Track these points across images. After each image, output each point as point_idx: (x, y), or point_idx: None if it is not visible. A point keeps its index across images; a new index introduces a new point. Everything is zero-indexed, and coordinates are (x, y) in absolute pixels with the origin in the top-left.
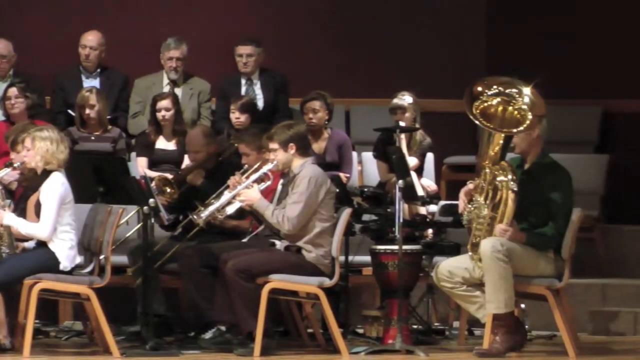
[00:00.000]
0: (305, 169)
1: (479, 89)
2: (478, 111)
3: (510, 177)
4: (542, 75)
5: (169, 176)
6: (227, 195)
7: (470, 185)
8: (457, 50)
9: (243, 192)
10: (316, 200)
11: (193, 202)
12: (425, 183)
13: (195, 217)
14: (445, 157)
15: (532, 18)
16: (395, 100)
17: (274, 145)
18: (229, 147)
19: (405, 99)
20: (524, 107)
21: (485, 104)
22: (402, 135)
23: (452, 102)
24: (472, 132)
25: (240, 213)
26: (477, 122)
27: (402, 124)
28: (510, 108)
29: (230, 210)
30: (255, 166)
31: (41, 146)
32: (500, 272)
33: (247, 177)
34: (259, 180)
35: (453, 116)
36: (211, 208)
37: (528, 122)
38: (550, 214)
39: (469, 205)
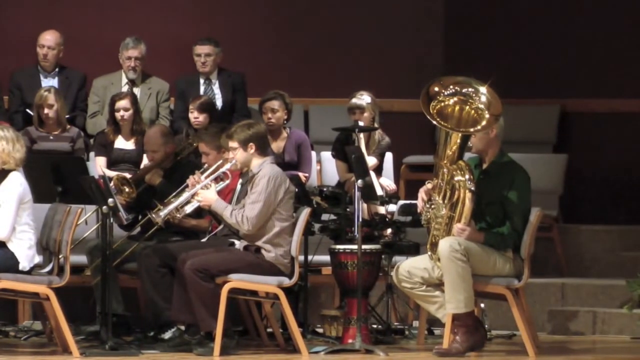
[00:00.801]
0: (264, 169)
1: (436, 89)
2: (435, 111)
3: (467, 176)
4: (495, 75)
5: (128, 175)
6: (185, 195)
7: (428, 185)
8: (415, 50)
9: (200, 193)
10: (275, 199)
11: (151, 202)
12: (384, 183)
13: (153, 216)
14: (404, 156)
15: (489, 18)
16: (353, 100)
17: (233, 144)
18: (187, 147)
19: (364, 98)
20: (481, 106)
21: (442, 104)
22: (361, 135)
23: (411, 102)
24: (431, 131)
25: (199, 212)
26: (434, 122)
27: (361, 123)
28: (467, 107)
29: (189, 209)
30: (215, 166)
31: None
32: (459, 271)
33: (207, 177)
34: (217, 180)
35: (412, 116)
36: (169, 207)
37: (485, 121)
38: (507, 213)
39: (427, 205)
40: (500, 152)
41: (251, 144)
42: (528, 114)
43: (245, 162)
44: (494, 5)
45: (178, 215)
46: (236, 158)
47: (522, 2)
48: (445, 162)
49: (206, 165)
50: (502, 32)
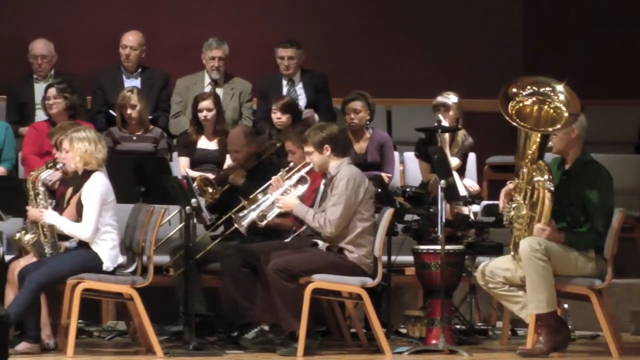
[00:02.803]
0: (343, 170)
1: (514, 90)
2: (514, 112)
3: (546, 177)
4: (573, 75)
5: (211, 176)
6: (266, 202)
7: (510, 185)
8: (497, 50)
9: (281, 199)
10: (355, 200)
11: (234, 202)
12: (467, 183)
13: (237, 225)
14: (487, 157)
15: (570, 18)
16: (439, 99)
17: (308, 148)
18: (270, 147)
19: (450, 97)
20: (559, 105)
21: (521, 104)
22: (446, 135)
23: (493, 102)
24: (513, 132)
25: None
26: (513, 122)
27: (444, 122)
28: (546, 107)
29: (271, 217)
30: (296, 168)
31: (79, 147)
32: (539, 271)
33: (290, 178)
34: (297, 184)
35: (494, 116)
36: (251, 216)
37: (564, 120)
38: (588, 213)
39: (509, 205)
40: (582, 153)
41: (326, 145)
42: (610, 114)
43: (322, 164)
44: (575, 6)
45: (260, 223)
46: (313, 161)
47: (602, 2)
48: (525, 162)
49: (292, 164)
50: (583, 32)
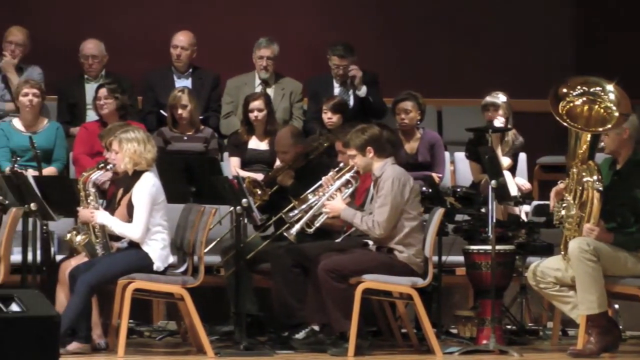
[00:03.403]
0: (387, 171)
1: (564, 90)
2: (564, 112)
3: (595, 177)
4: (624, 75)
5: (259, 177)
6: (313, 208)
7: (560, 185)
8: (548, 50)
9: (327, 204)
10: (402, 200)
11: (283, 203)
12: (519, 182)
13: (286, 233)
14: (537, 157)
15: (620, 18)
16: (488, 98)
17: (351, 152)
18: (317, 147)
19: (499, 97)
20: (610, 104)
21: (571, 104)
22: (495, 135)
23: (544, 102)
24: (565, 132)
25: None
26: (563, 122)
27: (496, 122)
28: (596, 107)
29: (318, 223)
30: (345, 169)
31: (128, 148)
32: (589, 272)
33: (339, 179)
34: (343, 187)
35: (545, 116)
36: (300, 222)
37: (614, 120)
38: (638, 213)
39: (559, 205)
40: (633, 153)
41: (368, 147)
42: None
43: (366, 166)
44: (625, 5)
45: (309, 230)
46: (356, 164)
47: None
48: (575, 162)
49: (342, 164)
50: (633, 31)
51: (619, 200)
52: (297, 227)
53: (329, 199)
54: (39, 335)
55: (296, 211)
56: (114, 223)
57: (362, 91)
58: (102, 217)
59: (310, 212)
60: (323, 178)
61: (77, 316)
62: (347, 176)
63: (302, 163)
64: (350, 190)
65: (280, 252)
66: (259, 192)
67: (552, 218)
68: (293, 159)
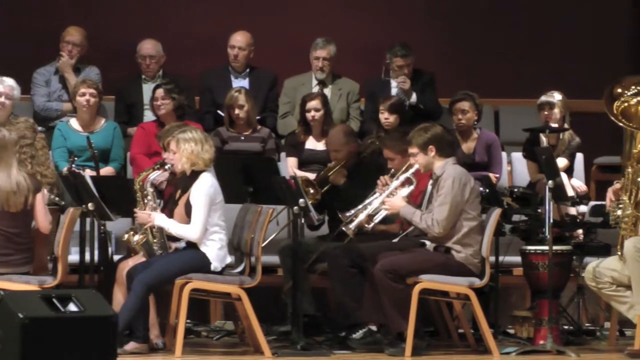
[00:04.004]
0: (448, 170)
1: (618, 90)
2: (619, 111)
3: None
4: None
5: (311, 177)
6: (373, 205)
7: (617, 185)
8: (603, 50)
9: (387, 201)
10: (462, 200)
11: (336, 202)
12: (575, 184)
13: (344, 228)
14: (594, 157)
15: None
16: (543, 97)
17: (413, 150)
18: (369, 145)
19: (554, 96)
20: None
21: (626, 104)
22: (552, 135)
23: (601, 102)
24: (621, 132)
25: (388, 218)
26: (618, 122)
27: (554, 124)
28: None
29: (378, 218)
30: (402, 169)
31: (185, 148)
32: None
33: (396, 179)
34: (403, 185)
35: (602, 116)
36: (359, 218)
37: None
38: None
39: (614, 205)
40: None
41: (430, 146)
42: None
43: (427, 165)
44: None
45: (367, 226)
46: (418, 162)
47: None
48: (630, 162)
49: (392, 171)
50: None
51: None
52: (356, 222)
53: (389, 196)
54: (97, 335)
55: (353, 211)
56: (171, 225)
57: (413, 99)
58: (159, 219)
59: (370, 208)
60: (380, 178)
61: (134, 316)
62: (408, 174)
63: (354, 162)
64: (410, 189)
65: (337, 253)
66: (312, 191)
67: (609, 218)
68: (345, 157)
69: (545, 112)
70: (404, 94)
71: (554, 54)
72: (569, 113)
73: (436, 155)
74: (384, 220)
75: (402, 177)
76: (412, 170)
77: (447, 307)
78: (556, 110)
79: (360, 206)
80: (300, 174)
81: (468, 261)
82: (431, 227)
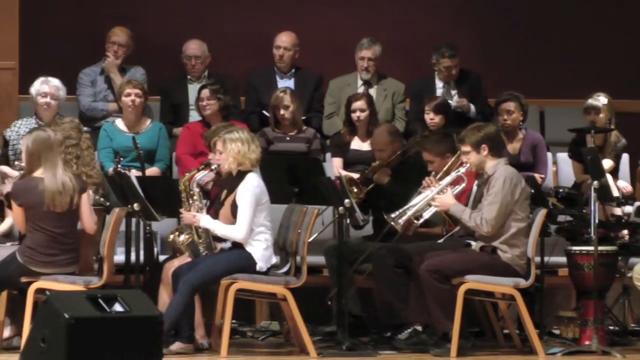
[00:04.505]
0: (499, 170)
1: None
2: None
3: None
4: None
5: (355, 176)
6: (422, 201)
7: None
8: None
9: (437, 197)
10: (512, 200)
11: (380, 201)
12: (620, 184)
13: (392, 222)
14: None
15: None
16: (589, 101)
17: (465, 148)
18: (414, 145)
19: (600, 99)
20: None
21: None
22: (597, 136)
23: None
24: None
25: (431, 221)
26: None
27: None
28: None
29: (427, 215)
30: (446, 168)
31: (232, 148)
32: None
33: (442, 179)
34: (453, 183)
35: None
36: (408, 213)
37: None
38: None
39: None
40: None
41: (483, 145)
42: None
43: (479, 164)
44: None
45: (416, 222)
46: (469, 161)
47: None
48: None
49: (433, 173)
50: None
51: None
52: (404, 217)
53: (439, 193)
54: (142, 335)
55: (398, 212)
56: (217, 226)
57: (472, 112)
58: (205, 220)
59: (420, 204)
60: (425, 180)
61: (179, 315)
62: (460, 172)
63: (398, 161)
64: (461, 187)
65: (382, 253)
66: (355, 190)
67: None
68: (390, 156)
69: (591, 116)
70: (462, 109)
71: (600, 54)
72: (614, 114)
73: (488, 155)
74: (427, 223)
75: (453, 175)
76: (463, 169)
77: (492, 307)
78: (602, 115)
79: (405, 207)
80: (346, 174)
81: (514, 262)
82: (480, 226)
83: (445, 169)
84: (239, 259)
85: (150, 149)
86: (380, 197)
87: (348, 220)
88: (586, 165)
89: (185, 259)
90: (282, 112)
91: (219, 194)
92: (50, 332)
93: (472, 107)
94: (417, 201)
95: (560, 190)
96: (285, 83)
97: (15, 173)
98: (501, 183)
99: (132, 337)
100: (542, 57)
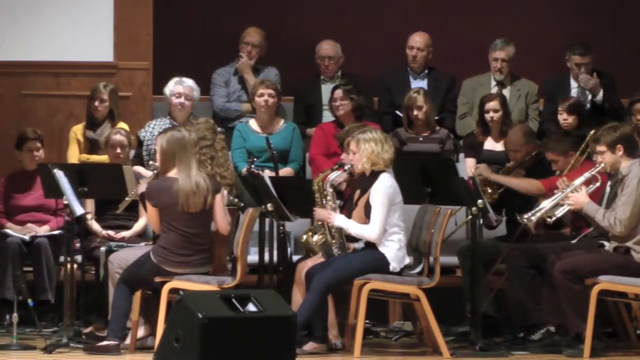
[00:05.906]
0: (634, 170)
1: None
2: None
3: None
4: None
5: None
6: (554, 200)
7: None
8: None
9: (571, 196)
10: None
11: (514, 202)
12: None
13: (525, 219)
14: None
15: None
16: None
17: (601, 148)
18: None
19: None
20: None
21: None
22: None
23: None
24: None
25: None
26: None
27: None
28: None
29: (560, 213)
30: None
31: (366, 148)
32: None
33: (568, 176)
34: (586, 183)
35: None
36: (541, 212)
37: None
38: None
39: None
40: None
41: (619, 145)
42: None
43: (613, 164)
44: None
45: (549, 219)
46: (604, 161)
47: None
48: None
49: (557, 173)
50: None
51: None
52: (537, 215)
53: (573, 192)
54: (276, 335)
55: (530, 213)
56: (350, 225)
57: (599, 97)
58: (339, 220)
59: (553, 203)
60: (558, 181)
61: (312, 314)
62: (594, 172)
63: (532, 162)
64: (595, 186)
65: (515, 253)
66: (489, 190)
67: None
68: (524, 157)
69: None
70: (590, 91)
71: None
72: None
73: (624, 155)
74: (556, 225)
75: (588, 174)
76: (598, 168)
77: (625, 308)
78: None
79: (537, 208)
80: (484, 166)
81: None
82: (613, 226)
83: (569, 167)
84: (372, 259)
85: (284, 149)
86: (514, 198)
87: (481, 221)
88: None
89: (318, 259)
90: (415, 112)
91: (352, 194)
92: (184, 332)
93: (601, 92)
94: (549, 201)
95: None
96: (419, 83)
97: (149, 173)
98: (635, 183)
99: (265, 337)
100: None
